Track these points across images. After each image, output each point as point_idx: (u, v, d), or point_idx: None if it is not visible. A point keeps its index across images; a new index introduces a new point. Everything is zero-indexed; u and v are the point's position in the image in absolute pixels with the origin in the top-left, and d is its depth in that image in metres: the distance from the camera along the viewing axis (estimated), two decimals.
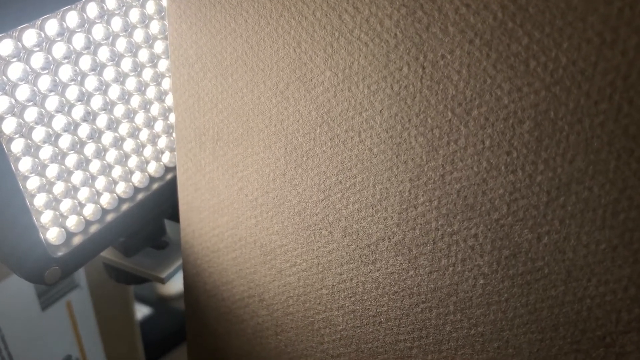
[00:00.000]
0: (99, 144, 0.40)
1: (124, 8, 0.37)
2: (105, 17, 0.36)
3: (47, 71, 0.34)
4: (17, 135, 0.34)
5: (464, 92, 0.27)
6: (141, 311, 0.77)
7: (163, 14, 0.40)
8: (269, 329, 0.40)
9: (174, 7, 0.35)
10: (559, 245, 0.26)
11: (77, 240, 0.40)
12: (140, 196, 0.44)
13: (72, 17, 0.34)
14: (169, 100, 0.43)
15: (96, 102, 0.38)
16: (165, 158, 0.45)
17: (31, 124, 0.35)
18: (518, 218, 0.27)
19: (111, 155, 0.41)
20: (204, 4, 0.33)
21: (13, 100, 0.33)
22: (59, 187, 0.38)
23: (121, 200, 0.43)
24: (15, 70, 0.33)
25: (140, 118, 0.42)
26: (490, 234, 0.28)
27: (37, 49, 0.33)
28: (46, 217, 0.38)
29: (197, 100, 0.36)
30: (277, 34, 0.31)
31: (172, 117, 0.43)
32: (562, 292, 0.27)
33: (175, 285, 0.79)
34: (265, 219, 0.36)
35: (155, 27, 0.40)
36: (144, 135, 0.43)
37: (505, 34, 0.25)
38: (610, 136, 0.24)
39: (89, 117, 0.38)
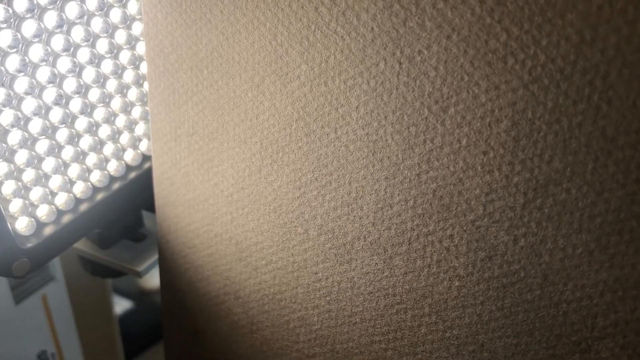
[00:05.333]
0: (72, 130, 0.38)
1: None
2: None
3: (15, 50, 0.33)
4: None
5: (440, 89, 0.26)
6: (121, 305, 0.76)
7: None
8: (245, 327, 0.39)
9: None
10: (535, 248, 0.26)
11: (48, 230, 0.38)
12: (116, 185, 0.42)
13: None
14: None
15: (69, 84, 0.36)
16: (143, 146, 0.43)
17: None
18: (494, 219, 0.26)
19: (85, 142, 0.39)
20: None
21: None
22: (28, 175, 0.37)
23: (96, 190, 0.41)
24: None
25: (116, 103, 0.40)
26: (466, 235, 0.27)
27: (5, 25, 0.32)
28: (15, 205, 0.37)
29: (172, 93, 0.35)
30: (253, 25, 0.30)
31: None
32: (538, 296, 0.26)
33: (156, 278, 0.78)
34: (240, 215, 0.36)
35: (133, 7, 0.38)
36: (120, 121, 0.41)
37: (483, 30, 0.24)
38: (588, 137, 0.23)
39: (62, 100, 0.36)
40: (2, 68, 0.33)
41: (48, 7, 0.33)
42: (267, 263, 0.36)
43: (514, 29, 0.23)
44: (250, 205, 0.35)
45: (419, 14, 0.25)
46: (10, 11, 0.32)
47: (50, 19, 0.34)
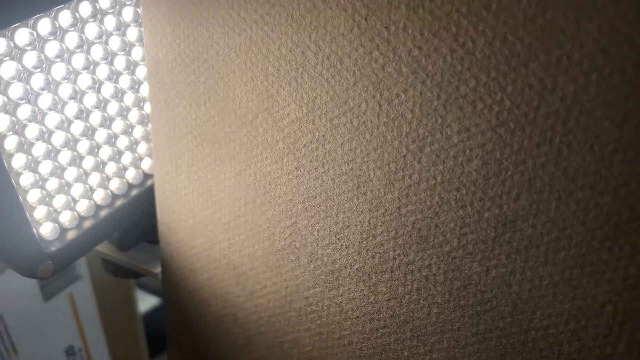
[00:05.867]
0: (93, 141, 0.40)
1: (117, 7, 0.38)
2: (99, 16, 0.37)
3: (39, 70, 0.35)
4: (10, 133, 0.35)
5: (417, 130, 0.28)
6: (147, 301, 0.77)
7: None
8: (243, 347, 0.41)
9: (151, 36, 0.36)
10: (505, 279, 0.27)
11: (70, 235, 0.41)
12: (134, 192, 0.44)
13: (64, 16, 0.35)
14: None
15: (89, 99, 0.39)
16: None
17: (24, 122, 0.36)
18: (468, 251, 0.28)
19: (105, 152, 0.42)
20: (177, 34, 0.35)
21: (5, 99, 0.34)
22: (52, 183, 0.39)
23: (115, 196, 0.44)
24: (7, 69, 0.34)
25: (134, 115, 0.42)
26: (442, 266, 0.29)
27: (30, 47, 0.34)
28: (40, 212, 0.39)
29: (173, 126, 0.38)
30: (246, 66, 0.32)
31: None
32: (509, 323, 0.28)
33: None
34: (237, 242, 0.37)
35: None
36: (137, 132, 0.43)
37: (454, 77, 0.26)
38: (551, 177, 0.25)
39: (82, 114, 0.39)
40: (28, 86, 0.35)
41: (69, 29, 0.36)
42: (262, 287, 0.37)
43: (482, 76, 0.25)
44: (246, 233, 0.37)
45: (396, 60, 0.27)
46: (35, 34, 0.34)
47: (72, 39, 0.36)
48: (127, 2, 0.39)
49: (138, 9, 0.39)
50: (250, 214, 0.36)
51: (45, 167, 0.38)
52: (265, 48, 0.31)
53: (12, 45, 0.33)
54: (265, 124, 0.33)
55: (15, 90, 0.35)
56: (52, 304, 0.51)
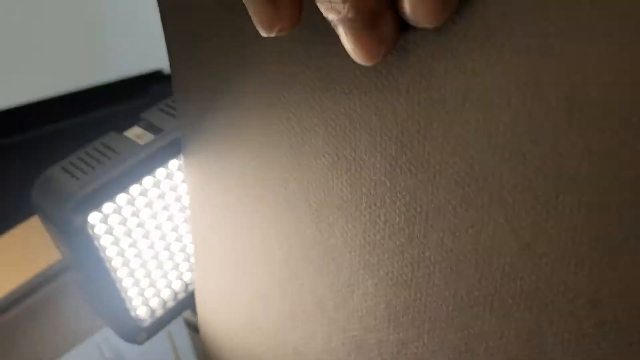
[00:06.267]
0: (169, 251, 0.59)
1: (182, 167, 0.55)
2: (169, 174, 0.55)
3: (133, 215, 0.53)
4: (118, 257, 0.54)
5: (347, 281, 0.44)
6: None
7: None
8: None
9: (192, 191, 0.53)
10: None
11: (158, 313, 0.60)
12: None
13: (148, 181, 0.53)
14: None
15: (167, 226, 0.57)
16: None
17: (124, 248, 0.54)
18: (384, 359, 0.44)
19: (179, 257, 0.60)
20: (207, 194, 0.52)
21: (113, 238, 0.53)
22: (144, 282, 0.58)
23: (187, 284, 0.62)
24: (113, 219, 0.52)
25: None
26: None
27: (126, 204, 0.52)
28: (136, 301, 0.58)
29: (208, 258, 0.55)
30: (248, 231, 0.49)
31: None
32: None
33: None
34: (245, 335, 0.54)
35: None
36: None
37: (364, 254, 0.42)
38: (423, 320, 0.40)
39: (164, 237, 0.57)
40: (125, 227, 0.53)
41: (150, 188, 0.54)
42: None
43: (382, 255, 0.41)
44: (255, 335, 0.53)
45: (325, 236, 0.43)
46: (130, 198, 0.52)
47: (153, 193, 0.54)
48: None
49: None
50: (255, 321, 0.52)
51: (139, 273, 0.57)
52: (259, 224, 0.48)
53: (116, 206, 0.52)
54: (259, 264, 0.49)
55: (119, 229, 0.53)
56: (156, 339, 0.70)
